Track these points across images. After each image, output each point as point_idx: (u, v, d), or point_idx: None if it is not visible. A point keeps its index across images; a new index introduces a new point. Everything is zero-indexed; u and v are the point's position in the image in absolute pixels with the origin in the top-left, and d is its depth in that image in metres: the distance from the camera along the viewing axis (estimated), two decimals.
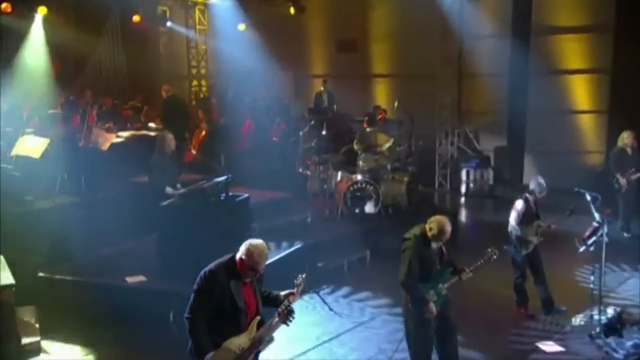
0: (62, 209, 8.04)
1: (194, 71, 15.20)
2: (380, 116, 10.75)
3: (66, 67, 12.40)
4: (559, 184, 7.37)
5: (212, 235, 5.91)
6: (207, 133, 10.49)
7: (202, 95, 15.11)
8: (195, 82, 15.28)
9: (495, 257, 4.86)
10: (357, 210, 8.66)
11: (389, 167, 9.22)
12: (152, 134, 10.17)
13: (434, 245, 4.69)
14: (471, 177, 11.85)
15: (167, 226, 6.27)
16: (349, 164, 9.46)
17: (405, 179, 9.24)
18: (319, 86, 13.48)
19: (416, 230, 4.73)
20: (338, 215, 8.64)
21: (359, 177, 8.88)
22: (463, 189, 11.78)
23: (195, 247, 5.87)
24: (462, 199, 11.37)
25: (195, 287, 3.71)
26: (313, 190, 9.57)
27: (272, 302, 3.92)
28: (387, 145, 9.53)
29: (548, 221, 6.05)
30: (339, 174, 9.29)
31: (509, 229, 6.08)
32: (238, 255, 3.78)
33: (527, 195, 6.11)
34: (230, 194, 6.56)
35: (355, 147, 9.49)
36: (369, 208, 8.63)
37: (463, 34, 11.79)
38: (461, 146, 12.25)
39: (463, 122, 12.40)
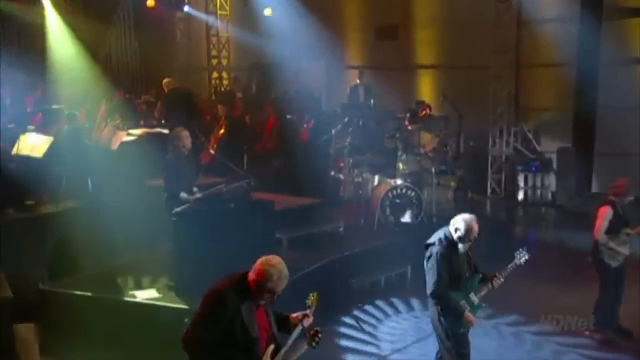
0: (67, 215, 8.17)
1: (214, 62, 15.40)
2: (424, 112, 10.66)
3: None
4: (633, 192, 7.15)
5: (231, 246, 5.96)
6: (227, 131, 10.58)
7: (222, 89, 15.30)
8: (215, 74, 15.48)
9: (524, 259, 4.92)
10: (396, 220, 8.62)
11: (433, 170, 9.17)
12: (167, 131, 10.28)
13: (461, 248, 4.75)
14: (530, 183, 11.61)
15: (181, 235, 6.32)
16: (388, 167, 9.39)
17: (452, 184, 9.23)
18: (354, 78, 13.45)
19: (439, 233, 4.81)
20: (375, 225, 8.59)
21: (399, 181, 8.85)
22: (520, 196, 11.53)
23: (212, 259, 5.91)
24: (519, 209, 11.17)
25: (199, 309, 3.59)
26: (346, 196, 9.54)
27: (282, 325, 3.87)
28: (432, 145, 9.47)
29: (637, 228, 5.95)
30: (376, 177, 9.26)
31: (598, 239, 6.00)
32: (252, 275, 3.67)
33: (613, 198, 6.01)
34: (252, 199, 6.64)
35: (389, 146, 9.50)
36: (410, 217, 8.58)
37: (522, 17, 11.60)
38: (518, 147, 12.01)
39: (521, 119, 12.16)
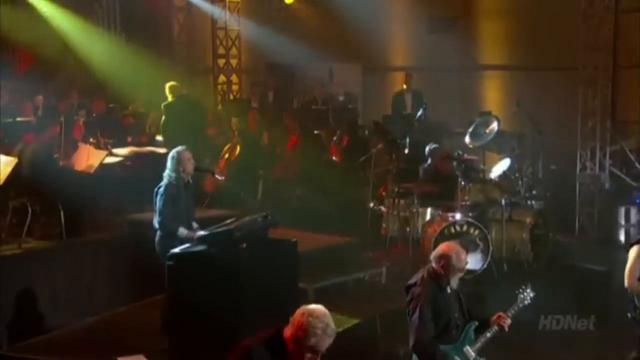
0: (32, 258, 8.33)
1: (220, 63, 15.66)
2: (490, 127, 10.66)
3: (42, 57, 13.00)
4: None
5: (243, 298, 6.02)
6: (241, 151, 10.73)
7: (231, 96, 15.50)
8: (222, 78, 15.73)
9: (530, 298, 5.34)
10: None
11: (503, 202, 9.14)
12: (161, 151, 10.47)
13: (449, 286, 5.07)
14: (632, 220, 11.41)
15: (178, 284, 6.40)
16: (443, 197, 9.40)
17: (529, 220, 9.10)
18: (399, 83, 13.52)
19: (421, 272, 5.14)
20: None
21: (458, 216, 8.84)
22: (621, 237, 11.30)
23: (218, 315, 5.96)
24: (619, 254, 10.94)
25: None
26: (390, 235, 9.55)
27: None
28: (501, 169, 9.43)
29: None
30: (429, 210, 9.27)
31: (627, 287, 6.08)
32: (290, 330, 3.79)
33: None
34: (269, 238, 6.68)
35: (445, 170, 9.53)
36: (474, 262, 8.57)
37: (621, 4, 11.55)
38: (616, 172, 11.83)
39: (619, 135, 12.03)
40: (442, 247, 5.22)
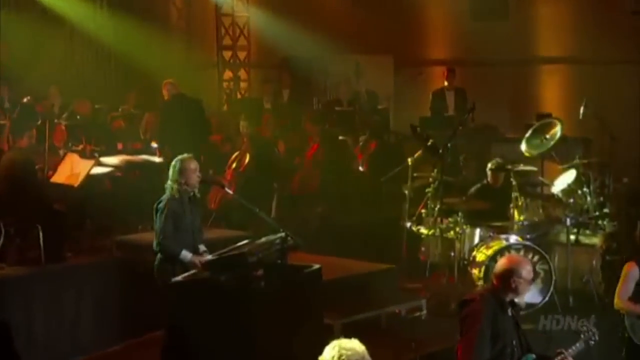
0: (6, 287, 8.31)
1: (226, 55, 15.70)
2: (551, 131, 10.61)
3: (15, 50, 13.06)
4: None
5: (258, 335, 6.01)
6: (252, 159, 10.75)
7: (239, 95, 15.51)
8: (228, 74, 15.75)
9: (595, 336, 5.56)
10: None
11: (567, 221, 9.10)
12: (158, 160, 10.50)
13: (510, 308, 5.27)
14: None
15: (181, 318, 6.39)
16: (495, 215, 9.36)
17: (599, 243, 9.07)
18: (439, 80, 13.51)
19: (480, 289, 5.41)
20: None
21: (514, 238, 8.83)
22: None
23: (229, 355, 5.97)
24: None
25: None
26: (431, 260, 9.52)
27: None
28: (565, 182, 9.38)
29: None
30: (477, 232, 9.24)
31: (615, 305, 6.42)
32: None
33: None
34: (288, 264, 6.65)
35: (496, 183, 9.55)
36: (533, 295, 8.49)
37: None
38: None
39: None
40: (505, 262, 5.43)
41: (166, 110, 10.96)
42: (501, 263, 5.45)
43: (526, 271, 5.33)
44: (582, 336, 5.56)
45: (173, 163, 7.05)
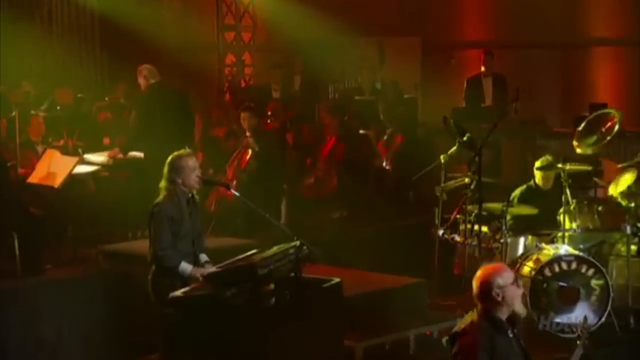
0: None
1: (228, 37, 15.77)
2: (607, 125, 10.55)
3: None
4: None
5: (270, 358, 6.04)
6: (256, 157, 10.71)
7: (243, 83, 15.54)
8: (230, 58, 15.83)
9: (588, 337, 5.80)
10: (559, 320, 8.58)
11: (628, 229, 9.03)
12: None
13: (510, 329, 5.33)
14: None
15: (180, 340, 6.36)
16: (543, 222, 9.35)
17: None
18: (474, 65, 13.48)
19: (469, 317, 5.43)
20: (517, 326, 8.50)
21: (565, 249, 8.81)
22: None
23: None
24: None
25: None
26: (467, 274, 9.41)
27: None
28: (625, 184, 9.33)
29: None
30: (522, 241, 9.23)
31: None
32: None
33: None
34: (304, 278, 6.64)
35: (544, 184, 9.54)
36: (586, 315, 8.35)
37: None
38: None
39: None
40: (477, 278, 5.49)
41: (143, 103, 10.57)
42: (474, 281, 5.47)
43: (503, 277, 5.35)
44: (578, 342, 5.72)
45: (169, 160, 7.02)
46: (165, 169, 7.03)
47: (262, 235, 9.27)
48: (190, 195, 7.08)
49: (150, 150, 10.00)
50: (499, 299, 5.27)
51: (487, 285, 5.32)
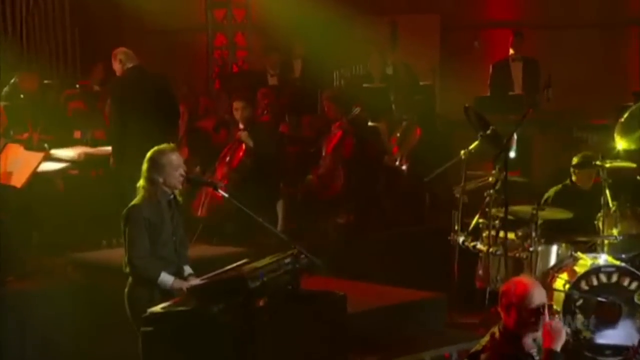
0: None
1: (218, 14, 15.82)
2: None
3: None
4: None
5: None
6: (249, 153, 10.76)
7: (236, 67, 15.55)
8: (221, 40, 15.86)
9: None
10: (597, 341, 8.56)
11: None
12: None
13: (535, 349, 5.46)
14: None
15: None
16: (578, 228, 9.34)
17: None
18: (502, 48, 13.49)
19: (492, 332, 5.61)
20: None
21: (604, 258, 8.82)
22: None
23: None
24: None
25: None
26: (491, 287, 9.44)
27: None
28: None
29: None
30: (554, 249, 9.25)
31: None
32: None
33: None
34: (303, 291, 6.70)
35: (583, 185, 9.59)
36: (629, 334, 8.51)
37: None
38: None
39: None
40: (505, 286, 5.68)
41: (119, 90, 10.49)
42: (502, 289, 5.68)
43: (533, 297, 5.53)
44: None
45: (148, 156, 7.01)
46: (144, 166, 7.01)
47: (257, 242, 9.28)
48: (172, 196, 7.07)
49: (128, 145, 9.95)
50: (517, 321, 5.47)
51: (511, 298, 5.56)
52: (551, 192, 9.82)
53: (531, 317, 5.49)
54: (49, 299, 8.90)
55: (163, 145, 7.09)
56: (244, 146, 10.97)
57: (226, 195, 7.91)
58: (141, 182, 6.99)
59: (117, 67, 10.56)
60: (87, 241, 9.81)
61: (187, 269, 7.10)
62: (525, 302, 5.49)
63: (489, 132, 9.60)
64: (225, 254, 8.90)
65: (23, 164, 9.52)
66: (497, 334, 5.58)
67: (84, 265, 9.12)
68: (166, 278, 6.84)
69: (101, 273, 8.66)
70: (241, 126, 11.20)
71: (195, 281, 6.79)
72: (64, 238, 9.86)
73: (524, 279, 5.77)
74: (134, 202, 6.99)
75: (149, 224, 6.89)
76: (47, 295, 8.96)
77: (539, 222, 9.24)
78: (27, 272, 9.32)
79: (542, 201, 9.64)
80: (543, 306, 5.55)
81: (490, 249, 9.40)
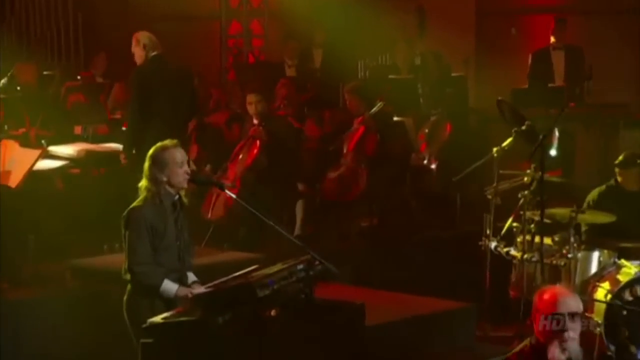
0: None
1: (232, 0, 15.85)
2: None
3: None
4: None
5: None
6: (265, 150, 10.83)
7: (252, 57, 15.59)
8: (236, 26, 15.91)
9: None
10: None
11: None
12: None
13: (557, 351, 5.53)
14: None
15: None
16: (623, 232, 9.33)
17: None
18: (541, 35, 13.45)
19: (525, 342, 5.72)
20: None
21: None
22: None
23: None
24: None
25: None
26: (526, 297, 9.40)
27: None
28: None
29: None
30: (595, 256, 9.24)
31: None
32: None
33: None
34: (318, 300, 6.67)
35: (628, 185, 9.56)
36: None
37: None
38: None
39: None
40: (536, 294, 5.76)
41: (141, 79, 10.39)
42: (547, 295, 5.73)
43: (560, 303, 5.62)
44: None
45: (150, 153, 7.03)
46: (146, 164, 7.02)
47: (271, 248, 9.29)
48: (176, 197, 7.08)
49: (147, 143, 9.81)
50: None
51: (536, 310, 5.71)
52: (594, 193, 9.80)
53: (557, 325, 5.53)
54: (46, 308, 8.95)
55: (166, 141, 7.09)
56: (258, 143, 10.96)
57: (234, 196, 7.97)
58: (143, 182, 7.00)
59: (139, 53, 10.42)
60: (88, 246, 9.84)
61: (191, 276, 7.13)
62: (550, 309, 5.55)
63: (524, 127, 9.58)
64: (236, 260, 8.92)
65: (18, 162, 9.51)
66: (527, 346, 5.66)
67: (84, 271, 9.15)
68: (169, 286, 6.85)
69: (102, 280, 8.67)
70: (255, 121, 11.19)
71: (200, 289, 6.78)
72: (62, 242, 9.89)
73: (556, 287, 5.86)
74: (135, 203, 6.99)
75: (151, 228, 6.90)
76: (44, 304, 9.01)
77: (584, 227, 9.32)
78: (23, 279, 9.36)
79: (585, 204, 9.63)
80: (572, 314, 5.57)
81: (525, 256, 9.34)
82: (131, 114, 10.53)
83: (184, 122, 10.48)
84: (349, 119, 11.99)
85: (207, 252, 9.60)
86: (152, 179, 6.97)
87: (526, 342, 5.74)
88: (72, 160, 10.58)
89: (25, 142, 10.26)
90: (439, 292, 9.31)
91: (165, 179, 6.96)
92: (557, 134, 11.17)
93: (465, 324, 9.12)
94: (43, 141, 10.59)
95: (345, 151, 11.58)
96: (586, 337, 8.68)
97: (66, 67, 14.07)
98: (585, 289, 9.03)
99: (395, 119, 12.18)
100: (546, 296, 5.65)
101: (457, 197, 11.58)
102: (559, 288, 5.82)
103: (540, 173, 9.26)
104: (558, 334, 5.54)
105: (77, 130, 11.62)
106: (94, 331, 8.50)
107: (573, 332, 5.59)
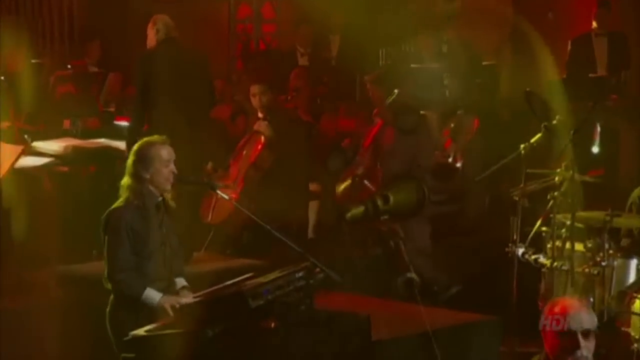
0: None
1: None
2: None
3: None
4: None
5: None
6: (270, 146, 10.91)
7: (262, 43, 15.71)
8: (245, 9, 16.01)
9: None
10: None
11: None
12: (121, 145, 10.48)
13: None
14: None
15: None
16: None
17: None
18: (582, 20, 13.49)
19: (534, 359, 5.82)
20: None
21: None
22: None
23: None
24: None
25: None
26: None
27: None
28: None
29: None
30: (633, 264, 9.26)
31: None
32: None
33: None
34: (321, 312, 6.75)
35: None
36: None
37: None
38: None
39: None
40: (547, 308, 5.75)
41: (150, 65, 10.27)
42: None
43: (570, 318, 5.59)
44: None
45: (135, 147, 7.08)
46: (130, 160, 7.10)
47: (278, 254, 9.33)
48: (159, 198, 7.14)
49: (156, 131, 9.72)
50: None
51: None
52: (635, 194, 9.81)
53: (565, 343, 5.54)
54: (30, 318, 9.02)
55: (153, 137, 7.14)
56: (262, 138, 10.98)
57: (226, 197, 7.96)
58: (125, 180, 7.07)
59: (150, 35, 10.37)
60: (75, 251, 9.89)
61: (181, 281, 7.20)
62: (561, 325, 5.53)
63: (555, 122, 9.60)
64: (238, 267, 8.91)
65: (1, 158, 9.57)
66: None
67: (71, 279, 9.23)
68: (152, 294, 6.90)
69: (90, 288, 8.66)
70: (260, 115, 11.21)
71: (189, 297, 6.84)
72: (48, 247, 9.89)
73: (568, 299, 5.87)
74: (116, 204, 7.07)
75: (132, 231, 6.98)
76: (27, 315, 9.07)
77: (616, 231, 9.30)
78: (5, 287, 9.39)
79: (627, 206, 9.68)
80: (586, 332, 5.56)
81: (555, 263, 9.40)
82: (134, 105, 10.53)
83: (201, 114, 10.37)
84: (367, 112, 12.01)
85: (208, 258, 9.66)
86: (135, 176, 7.04)
87: (535, 358, 5.78)
88: (58, 158, 10.65)
89: (9, 138, 10.32)
90: (460, 303, 9.37)
91: (148, 176, 7.02)
92: (599, 129, 11.18)
93: (489, 339, 9.09)
94: (26, 136, 10.63)
95: (361, 147, 11.59)
96: (623, 354, 8.76)
97: (61, 55, 14.13)
98: (622, 301, 9.04)
99: (420, 112, 12.13)
100: (557, 309, 5.61)
101: (486, 199, 11.59)
102: (572, 301, 5.80)
103: (572, 173, 9.30)
104: (569, 353, 5.55)
105: (66, 124, 11.69)
106: (79, 343, 8.55)
107: (587, 351, 5.58)
